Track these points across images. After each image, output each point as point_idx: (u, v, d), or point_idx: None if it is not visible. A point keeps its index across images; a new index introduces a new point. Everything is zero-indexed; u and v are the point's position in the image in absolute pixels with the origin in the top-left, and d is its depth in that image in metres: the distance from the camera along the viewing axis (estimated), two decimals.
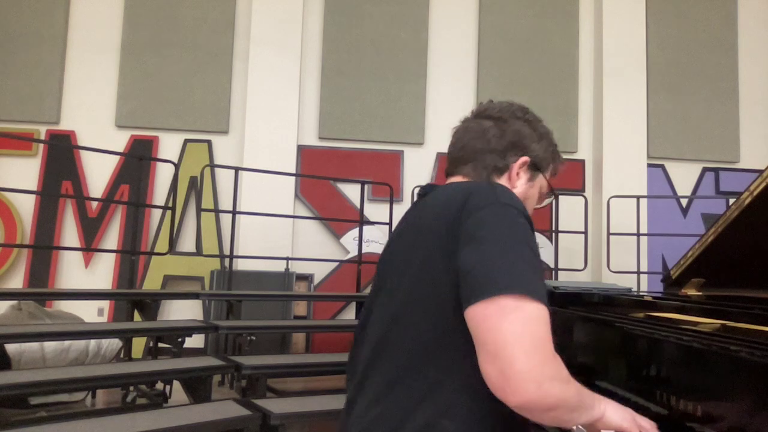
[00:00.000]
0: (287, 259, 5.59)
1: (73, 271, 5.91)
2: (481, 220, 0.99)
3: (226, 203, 5.80)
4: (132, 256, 4.57)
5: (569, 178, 6.57)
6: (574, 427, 1.00)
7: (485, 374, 0.91)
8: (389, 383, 1.03)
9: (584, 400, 0.99)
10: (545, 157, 1.27)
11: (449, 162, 1.25)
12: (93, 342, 3.89)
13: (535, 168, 1.24)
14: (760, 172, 1.59)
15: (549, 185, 1.29)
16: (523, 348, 0.88)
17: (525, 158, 1.22)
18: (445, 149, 1.31)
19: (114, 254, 5.86)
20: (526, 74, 6.57)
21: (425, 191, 1.21)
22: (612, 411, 1.04)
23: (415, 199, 1.27)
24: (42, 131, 6.00)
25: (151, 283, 5.88)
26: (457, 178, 1.22)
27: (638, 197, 6.00)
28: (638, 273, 5.90)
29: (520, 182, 1.22)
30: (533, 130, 1.24)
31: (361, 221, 5.17)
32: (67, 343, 3.74)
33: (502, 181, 1.21)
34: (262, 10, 6.19)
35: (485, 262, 0.95)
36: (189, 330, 3.91)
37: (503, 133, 1.21)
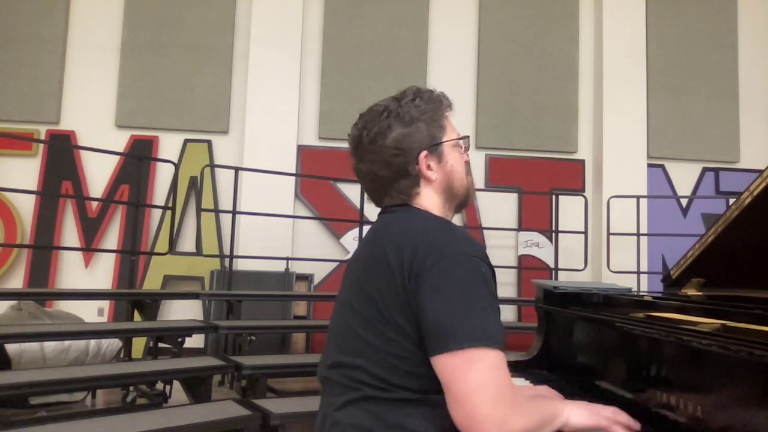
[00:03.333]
0: (287, 259, 5.59)
1: (73, 271, 5.91)
2: (444, 271, 1.05)
3: (226, 203, 5.80)
4: (132, 256, 4.57)
5: (569, 178, 6.58)
6: None
7: (453, 417, 1.00)
8: (358, 396, 1.10)
9: (546, 418, 1.08)
10: (431, 130, 1.22)
11: (373, 200, 1.28)
12: (93, 342, 3.89)
13: (434, 147, 1.22)
14: (760, 172, 1.59)
15: (455, 138, 1.27)
16: (486, 396, 0.98)
17: (421, 155, 1.20)
18: None
19: (114, 254, 5.86)
20: (526, 74, 6.57)
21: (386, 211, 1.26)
22: (575, 414, 1.14)
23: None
24: (42, 131, 6.00)
25: (151, 283, 5.88)
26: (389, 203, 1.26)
27: (638, 197, 6.00)
28: (638, 273, 5.90)
29: (434, 172, 1.22)
30: (402, 125, 1.20)
31: (361, 221, 5.17)
32: (67, 343, 3.74)
33: (422, 187, 1.21)
34: (262, 10, 6.19)
35: (450, 314, 1.02)
36: (189, 330, 3.92)
37: (385, 159, 1.20)
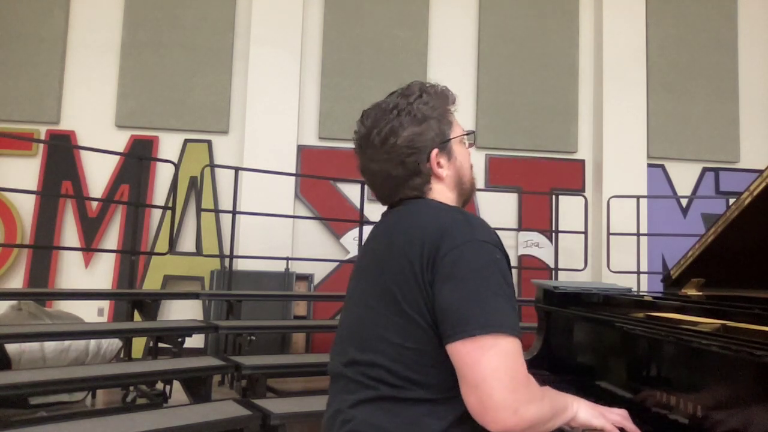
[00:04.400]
0: (287, 259, 5.58)
1: (73, 271, 5.91)
2: (459, 258, 1.04)
3: (226, 203, 5.80)
4: (132, 256, 4.57)
5: (569, 178, 6.58)
6: None
7: (467, 403, 1.01)
8: (375, 395, 1.09)
9: (557, 409, 1.09)
10: (441, 126, 1.21)
11: (382, 200, 1.26)
12: (93, 342, 3.88)
13: (444, 144, 1.21)
14: (760, 172, 1.59)
15: (462, 135, 1.26)
16: (500, 381, 0.98)
17: (432, 153, 1.19)
18: None
19: (114, 254, 5.86)
20: (526, 74, 6.57)
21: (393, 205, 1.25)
22: (583, 410, 1.15)
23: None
24: (42, 131, 5.99)
25: (151, 283, 5.88)
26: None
27: (638, 197, 6.00)
28: (638, 273, 5.90)
29: (444, 169, 1.21)
30: (415, 123, 1.18)
31: (361, 221, 5.17)
32: (67, 343, 3.74)
33: (433, 184, 1.21)
34: (262, 10, 6.19)
35: (464, 301, 1.02)
36: (189, 330, 3.92)
37: (398, 158, 1.18)
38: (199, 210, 5.58)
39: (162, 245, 5.78)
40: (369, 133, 1.20)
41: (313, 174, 6.00)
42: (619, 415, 1.19)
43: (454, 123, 1.24)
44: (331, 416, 1.17)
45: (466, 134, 1.28)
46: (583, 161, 6.62)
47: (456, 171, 1.24)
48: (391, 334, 1.09)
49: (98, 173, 6.00)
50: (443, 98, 1.23)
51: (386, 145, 1.18)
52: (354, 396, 1.12)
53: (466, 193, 1.28)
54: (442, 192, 1.22)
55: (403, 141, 1.17)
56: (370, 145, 1.21)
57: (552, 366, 1.94)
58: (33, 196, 5.82)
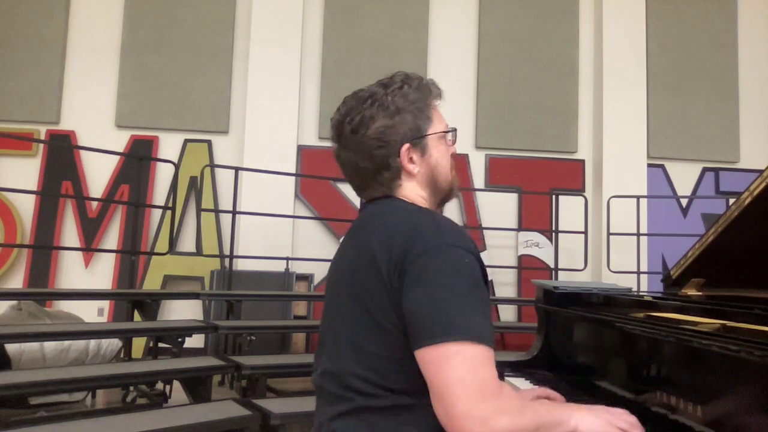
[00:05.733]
0: (287, 259, 5.59)
1: (73, 271, 5.91)
2: (426, 264, 1.01)
3: (226, 203, 5.80)
4: (132, 256, 4.57)
5: (569, 178, 6.58)
6: None
7: (435, 412, 0.96)
8: (351, 407, 1.07)
9: (544, 422, 1.00)
10: (417, 121, 1.16)
11: (355, 189, 1.24)
12: (93, 342, 3.89)
13: (418, 140, 1.16)
14: (760, 172, 1.59)
15: (442, 129, 1.20)
16: (465, 390, 0.92)
17: (402, 148, 1.15)
18: None
19: (114, 254, 5.86)
20: (526, 74, 6.57)
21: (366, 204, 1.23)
22: (586, 421, 1.05)
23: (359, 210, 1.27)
24: (42, 131, 6.00)
25: (151, 283, 5.88)
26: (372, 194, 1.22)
27: (638, 197, 6.00)
28: (638, 273, 5.90)
29: (416, 165, 1.17)
30: (387, 115, 1.14)
31: None
32: (67, 343, 3.74)
33: (404, 180, 1.17)
34: (262, 10, 6.19)
35: (430, 307, 0.98)
36: (189, 330, 3.92)
37: (367, 150, 1.15)
38: (199, 210, 5.58)
39: (162, 245, 5.78)
40: (342, 121, 1.17)
41: (313, 174, 6.00)
42: (627, 423, 1.10)
43: (434, 119, 1.19)
44: (316, 429, 1.16)
45: (446, 132, 1.22)
46: (583, 161, 6.62)
47: (430, 169, 1.19)
48: (364, 342, 1.06)
49: (98, 173, 6.01)
50: (425, 92, 1.18)
51: (356, 135, 1.15)
52: (333, 408, 1.10)
53: (442, 193, 1.23)
54: (413, 189, 1.18)
55: (373, 132, 1.14)
56: (342, 133, 1.18)
57: (552, 366, 1.94)
58: (33, 196, 5.82)
